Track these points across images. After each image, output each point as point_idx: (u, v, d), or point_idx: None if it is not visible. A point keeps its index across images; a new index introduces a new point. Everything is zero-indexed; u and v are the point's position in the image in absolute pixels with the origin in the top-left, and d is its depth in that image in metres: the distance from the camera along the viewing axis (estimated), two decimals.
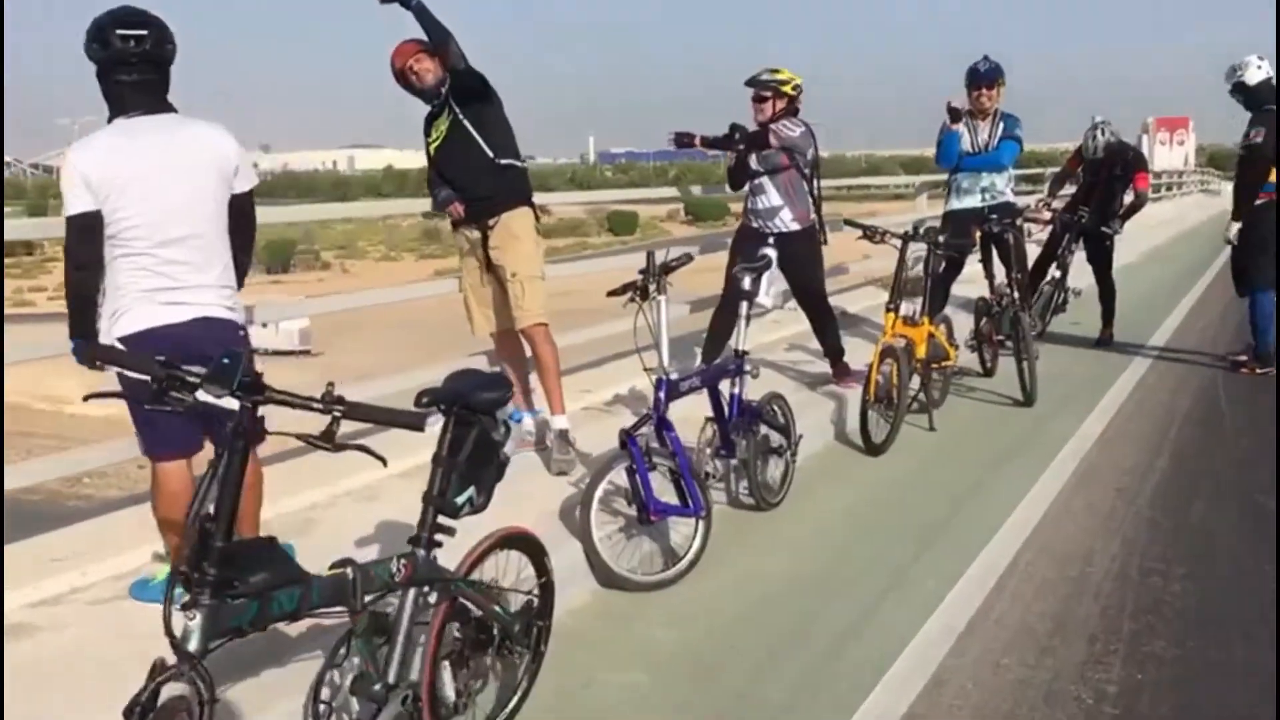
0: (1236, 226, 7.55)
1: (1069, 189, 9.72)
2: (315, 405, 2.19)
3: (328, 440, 2.17)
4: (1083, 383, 7.65)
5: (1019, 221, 7.32)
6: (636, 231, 71.32)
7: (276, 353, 37.50)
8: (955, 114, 7.47)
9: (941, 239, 6.37)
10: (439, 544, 2.70)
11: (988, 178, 7.56)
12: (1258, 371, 7.69)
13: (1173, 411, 6.79)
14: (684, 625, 3.81)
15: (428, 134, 5.16)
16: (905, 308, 6.23)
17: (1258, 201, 7.52)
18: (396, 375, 5.52)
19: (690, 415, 4.72)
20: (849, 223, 6.41)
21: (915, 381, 6.39)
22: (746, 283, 4.83)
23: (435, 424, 2.59)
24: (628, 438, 4.08)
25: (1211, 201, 36.00)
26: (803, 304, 6.80)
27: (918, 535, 4.61)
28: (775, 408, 5.08)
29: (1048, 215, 9.07)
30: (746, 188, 6.56)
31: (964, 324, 8.01)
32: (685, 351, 6.97)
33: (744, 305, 4.84)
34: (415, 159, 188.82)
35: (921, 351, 6.32)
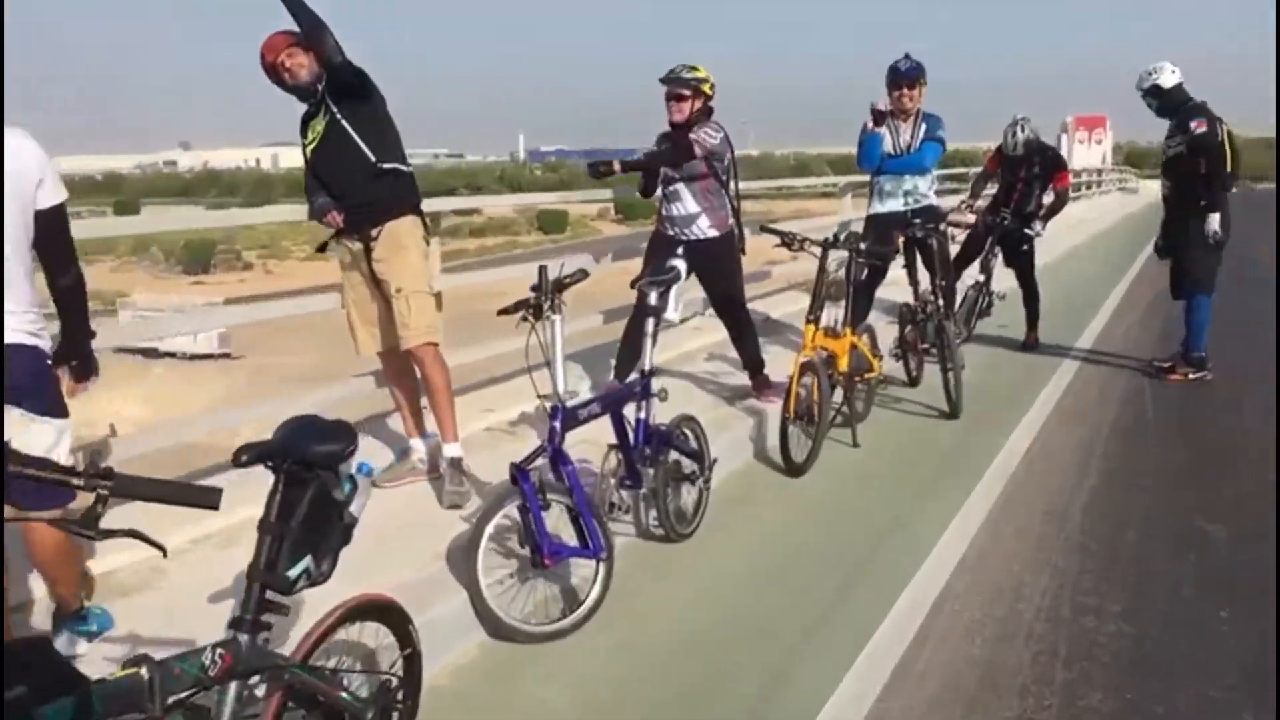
0: (1216, 219, 7.31)
1: (992, 188, 9.53)
2: (75, 482, 1.75)
3: (89, 526, 1.74)
4: (1009, 392, 7.43)
5: (942, 226, 7.05)
6: (567, 230, 70.82)
7: (195, 357, 36.63)
8: (879, 117, 7.19)
9: (863, 246, 6.07)
10: (267, 626, 2.27)
11: (910, 180, 7.29)
12: (1190, 377, 7.52)
13: (1100, 423, 6.56)
14: (581, 684, 3.42)
15: (304, 135, 4.71)
16: (827, 317, 5.92)
17: (1203, 202, 7.36)
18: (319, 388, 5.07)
19: (599, 436, 4.35)
20: (766, 229, 6.08)
21: (838, 395, 6.10)
22: (653, 298, 4.46)
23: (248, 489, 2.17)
24: (518, 472, 3.69)
25: (1130, 199, 36.67)
26: (721, 314, 6.47)
27: (838, 572, 4.28)
28: (687, 431, 4.72)
29: (971, 218, 8.86)
30: (659, 193, 6.20)
31: (889, 331, 7.76)
32: (601, 366, 6.58)
33: (650, 322, 4.47)
34: None
35: (844, 364, 6.02)
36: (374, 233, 4.59)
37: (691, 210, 6.10)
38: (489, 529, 3.68)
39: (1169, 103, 7.44)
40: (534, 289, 3.83)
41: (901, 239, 6.75)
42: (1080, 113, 51.82)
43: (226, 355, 36.91)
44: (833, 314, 6.06)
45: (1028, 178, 8.93)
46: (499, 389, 6.55)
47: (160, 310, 56.10)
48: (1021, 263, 9.06)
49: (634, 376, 4.60)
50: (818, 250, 5.83)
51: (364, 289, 4.74)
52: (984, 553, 4.43)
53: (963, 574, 4.20)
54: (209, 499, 1.85)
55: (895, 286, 8.49)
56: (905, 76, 7.19)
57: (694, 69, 6.01)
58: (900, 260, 7.43)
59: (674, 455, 4.58)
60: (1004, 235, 8.82)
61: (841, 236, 6.20)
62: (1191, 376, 7.52)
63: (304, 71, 4.49)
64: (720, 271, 6.21)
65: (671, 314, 4.55)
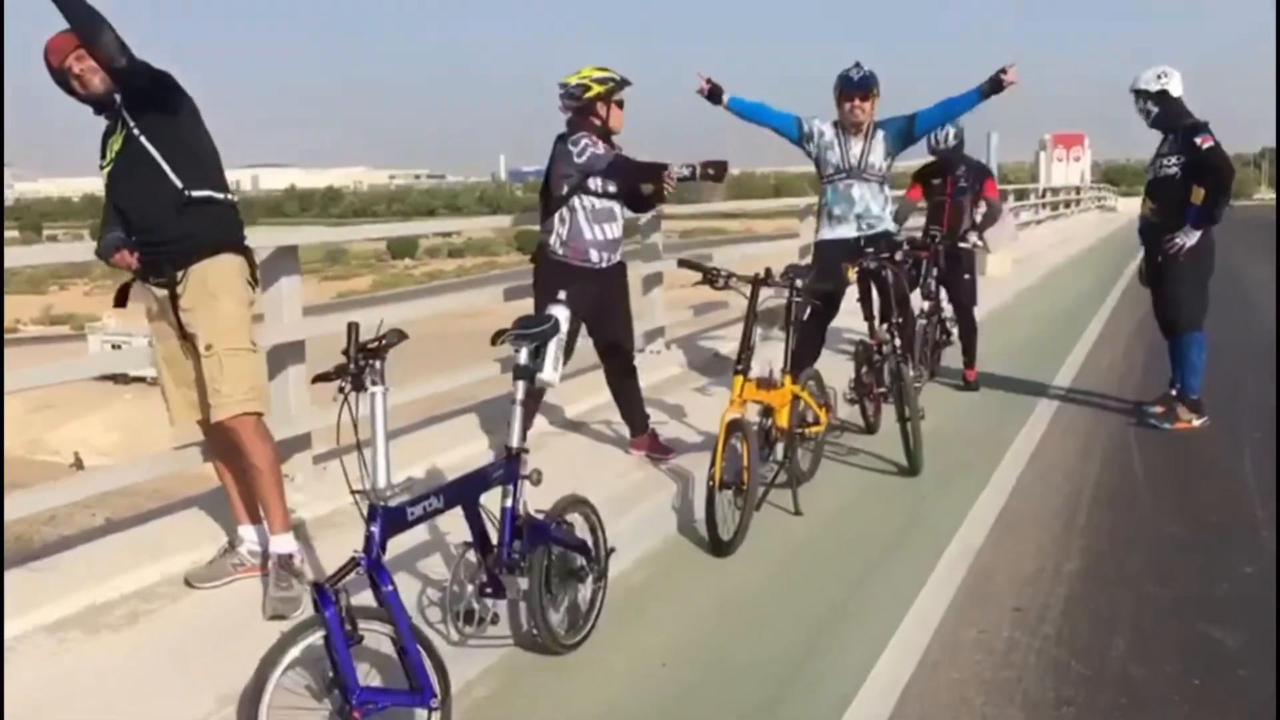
0: (1195, 236, 6.51)
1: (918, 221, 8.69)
2: None
3: None
4: (976, 443, 6.57)
5: (898, 255, 6.17)
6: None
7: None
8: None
9: (801, 282, 5.21)
10: None
11: (862, 202, 6.44)
12: (1194, 424, 6.68)
13: (1080, 484, 5.70)
14: None
15: (102, 156, 3.82)
16: (762, 362, 5.07)
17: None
18: None
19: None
20: (684, 263, 5.22)
21: (779, 453, 5.25)
22: (523, 356, 3.58)
23: None
24: (319, 594, 2.80)
25: (1109, 218, 36.07)
26: (610, 358, 5.62)
27: (756, 700, 3.40)
28: (572, 518, 3.84)
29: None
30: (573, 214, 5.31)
31: (846, 370, 6.91)
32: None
33: (520, 387, 3.58)
34: (320, 178, 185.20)
35: (783, 419, 5.16)
36: (178, 276, 3.70)
37: (618, 235, 5.32)
38: (279, 671, 2.78)
39: (1169, 114, 6.60)
40: (345, 352, 2.95)
41: (853, 270, 5.88)
42: (1058, 130, 51.51)
43: None
44: (767, 359, 5.23)
45: (955, 192, 8.13)
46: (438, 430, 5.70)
47: (129, 335, 55.22)
48: (959, 289, 8.26)
49: (498, 457, 3.69)
50: (746, 287, 4.98)
51: (175, 343, 3.85)
52: (936, 671, 3.55)
53: (908, 708, 3.31)
54: None
55: (855, 316, 7.65)
56: (857, 87, 6.35)
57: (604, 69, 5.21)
58: (855, 293, 6.58)
59: (556, 550, 3.70)
60: (939, 256, 7.99)
61: (784, 272, 5.36)
62: (1195, 423, 6.68)
63: (97, 78, 3.62)
64: (622, 307, 5.51)
65: (550, 374, 3.67)
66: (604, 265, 5.34)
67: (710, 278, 4.99)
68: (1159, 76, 6.59)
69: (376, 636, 2.95)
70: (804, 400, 5.39)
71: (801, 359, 5.99)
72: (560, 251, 5.28)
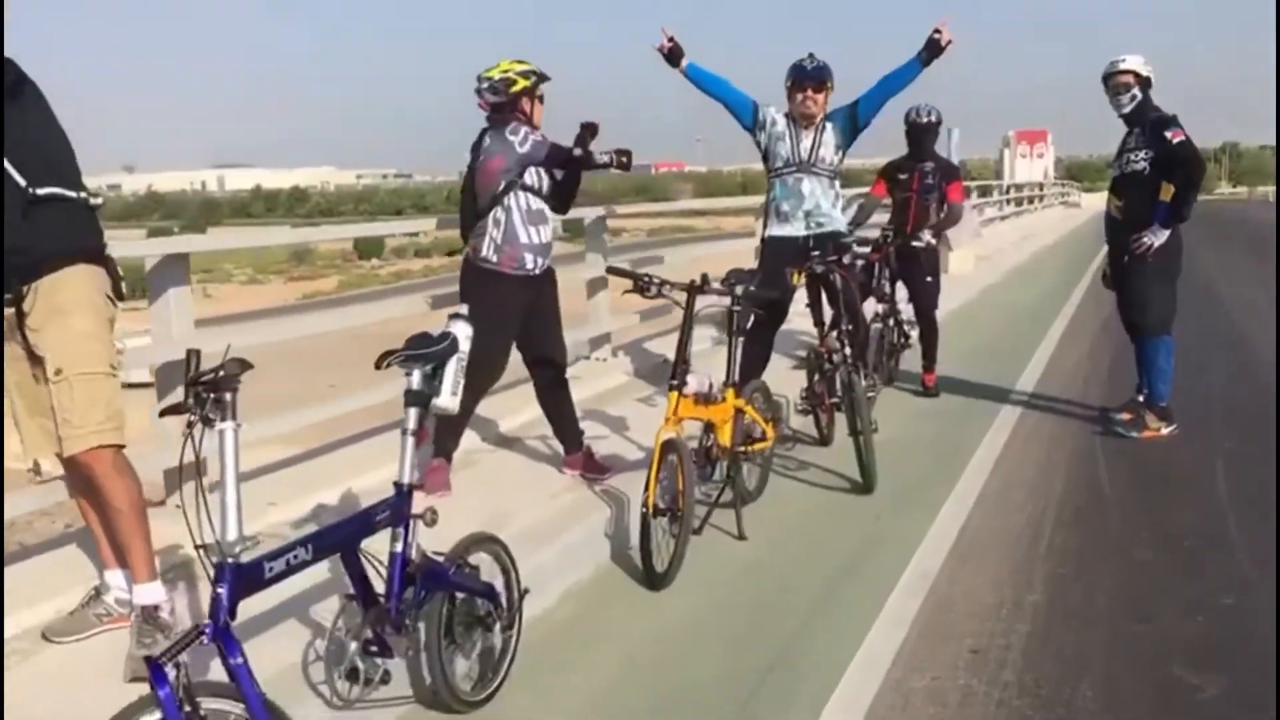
0: (1163, 235, 6.17)
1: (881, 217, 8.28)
2: None
3: None
4: (935, 453, 6.22)
5: (848, 258, 5.79)
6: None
7: (129, 386, 35.04)
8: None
9: (742, 288, 4.81)
10: None
11: (812, 198, 6.06)
12: (1164, 432, 6.35)
13: (1045, 501, 5.34)
14: None
15: None
16: (703, 377, 4.67)
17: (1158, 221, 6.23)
18: None
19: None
20: (613, 270, 4.83)
21: (723, 470, 4.86)
22: (416, 379, 3.15)
23: None
24: (152, 670, 2.36)
25: (1073, 214, 36.04)
26: (540, 370, 5.21)
27: None
28: (480, 558, 3.42)
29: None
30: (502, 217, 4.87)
31: (796, 379, 6.54)
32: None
33: (412, 414, 3.15)
34: (286, 178, 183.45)
35: (725, 436, 4.76)
36: (24, 291, 3.25)
37: (550, 238, 4.94)
38: None
39: (1146, 104, 6.25)
40: (188, 384, 2.51)
41: (799, 275, 5.49)
42: (1021, 127, 51.56)
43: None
44: (708, 371, 4.83)
45: (921, 189, 7.75)
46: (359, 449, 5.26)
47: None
48: (921, 295, 7.88)
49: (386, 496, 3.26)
50: (681, 295, 4.58)
51: (25, 367, 3.39)
52: None
53: None
54: None
55: (807, 319, 7.28)
56: (811, 77, 5.97)
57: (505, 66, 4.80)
58: (804, 298, 6.21)
59: (459, 596, 3.28)
60: (891, 257, 7.62)
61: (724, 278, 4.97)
62: (1165, 431, 6.34)
63: None
64: (554, 315, 5.10)
65: (448, 399, 3.25)
66: (537, 271, 4.93)
67: (640, 286, 4.59)
68: (1144, 61, 6.25)
69: (223, 716, 2.52)
70: (748, 415, 4.99)
71: (748, 370, 5.62)
72: (493, 259, 4.83)
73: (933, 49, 5.81)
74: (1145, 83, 6.22)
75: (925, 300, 7.86)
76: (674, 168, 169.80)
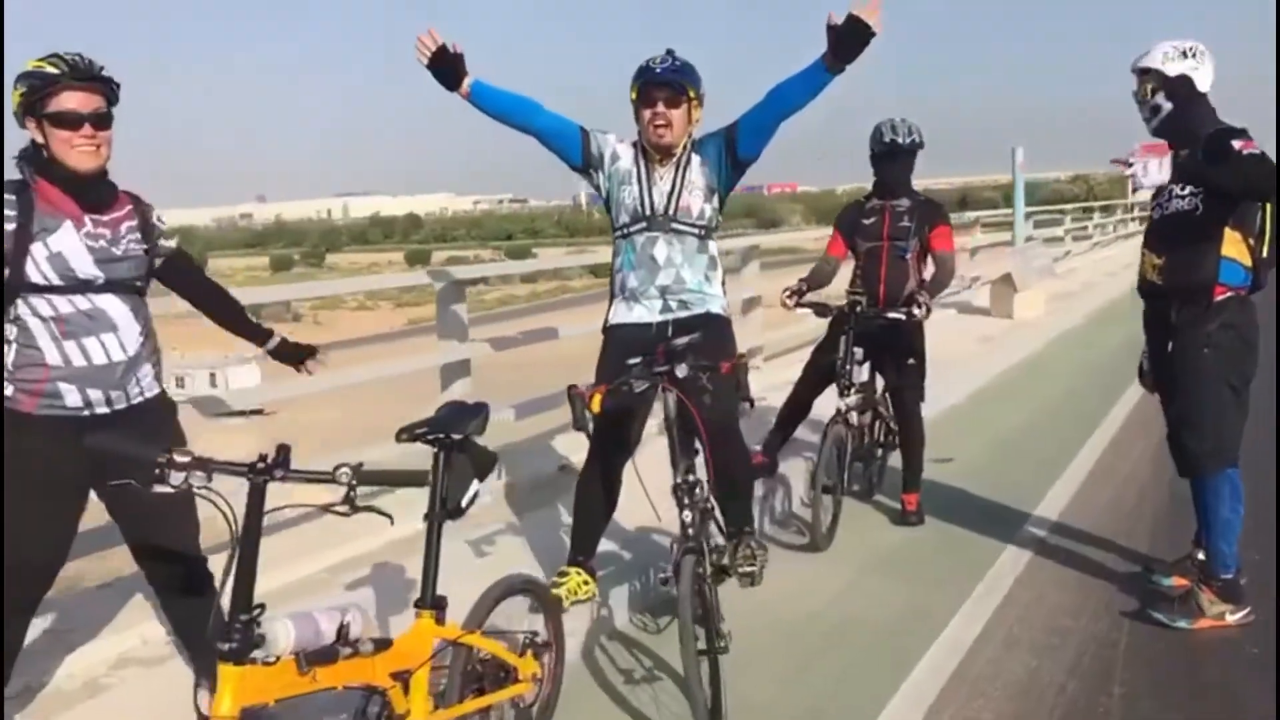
0: None
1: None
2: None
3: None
4: (880, 641, 4.10)
5: (683, 368, 3.63)
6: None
7: (227, 414, 34.75)
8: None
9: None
10: None
11: (670, 269, 4.06)
12: (1228, 620, 4.08)
13: None
14: None
15: None
16: None
17: (1218, 297, 4.01)
18: None
19: None
20: None
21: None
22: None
23: None
24: None
25: None
26: None
27: None
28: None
29: (797, 311, 5.56)
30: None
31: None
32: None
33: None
34: (406, 204, 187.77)
35: (419, 705, 2.77)
36: None
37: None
38: None
39: (1186, 115, 4.06)
40: None
41: (596, 398, 3.44)
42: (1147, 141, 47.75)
43: (258, 412, 35.86)
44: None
45: (894, 234, 5.59)
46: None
47: (191, 369, 54.93)
48: (901, 385, 5.69)
49: None
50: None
51: None
52: None
53: None
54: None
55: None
56: (660, 82, 3.98)
57: None
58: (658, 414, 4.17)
59: None
60: (863, 330, 5.45)
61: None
62: (1231, 619, 4.08)
63: None
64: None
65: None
66: None
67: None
68: (1185, 54, 4.05)
69: None
70: (479, 650, 2.99)
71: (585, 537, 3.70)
72: None
73: (842, 43, 3.76)
74: (1175, 85, 4.03)
75: (907, 394, 5.69)
76: (787, 189, 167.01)
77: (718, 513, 3.91)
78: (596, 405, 3.40)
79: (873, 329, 5.41)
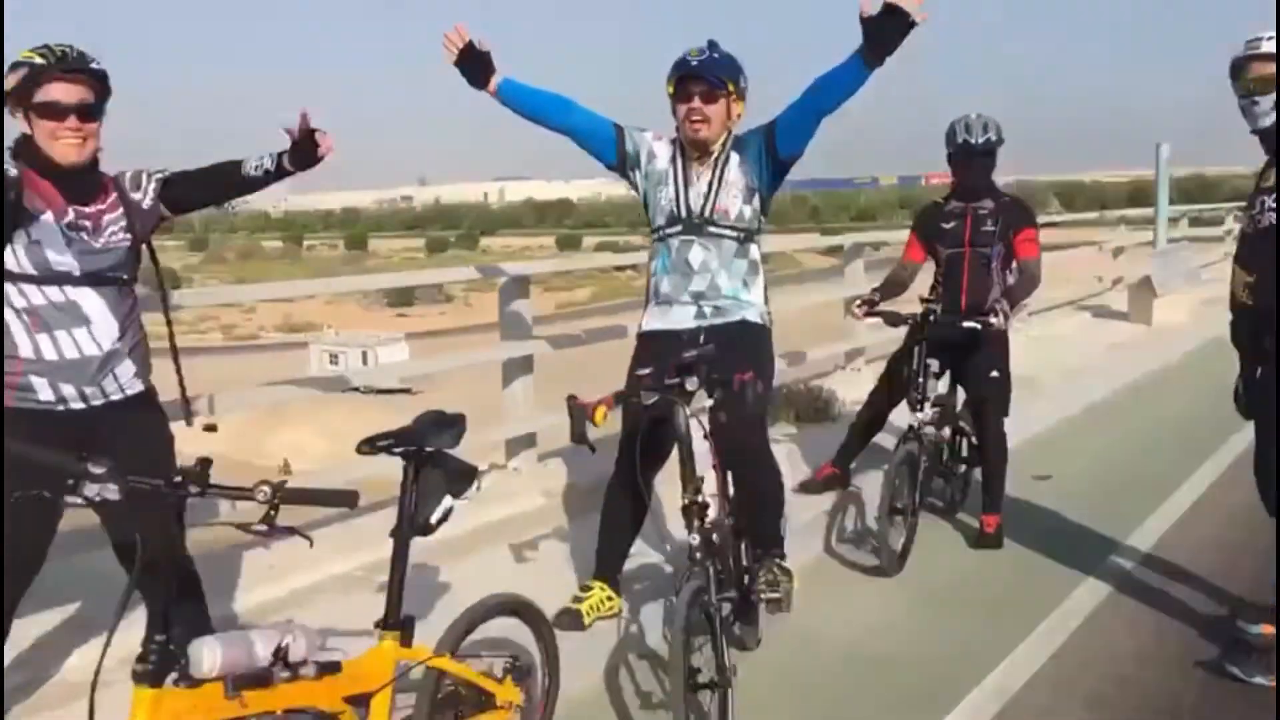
0: None
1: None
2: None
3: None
4: (926, 681, 3.81)
5: (693, 383, 3.39)
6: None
7: (379, 391, 36.23)
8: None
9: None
10: None
11: (705, 274, 3.87)
12: None
13: None
14: None
15: None
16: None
17: None
18: None
19: None
20: None
21: None
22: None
23: None
24: None
25: None
26: None
27: None
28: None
29: (867, 320, 5.23)
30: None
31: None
32: None
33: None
34: (559, 190, 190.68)
35: None
36: None
37: None
38: None
39: None
40: None
41: (601, 412, 3.25)
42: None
43: (407, 391, 37.10)
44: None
45: (975, 239, 5.21)
46: None
47: (345, 347, 57.05)
48: (983, 399, 5.32)
49: None
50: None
51: None
52: None
53: None
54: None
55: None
56: (696, 75, 3.78)
57: None
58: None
59: None
60: (940, 341, 5.08)
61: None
62: None
63: None
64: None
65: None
66: None
67: None
68: None
69: None
70: (453, 675, 2.87)
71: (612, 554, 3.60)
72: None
73: (878, 34, 3.49)
74: None
75: (988, 407, 5.31)
76: (947, 180, 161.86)
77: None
78: (601, 418, 3.23)
79: (951, 339, 5.06)
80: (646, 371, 3.38)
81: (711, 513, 3.42)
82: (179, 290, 4.95)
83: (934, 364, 5.07)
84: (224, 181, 3.22)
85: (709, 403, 3.43)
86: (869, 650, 4.10)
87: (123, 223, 3.04)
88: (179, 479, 2.22)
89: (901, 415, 5.33)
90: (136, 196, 3.10)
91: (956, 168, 5.26)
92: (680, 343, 3.79)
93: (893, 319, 5.15)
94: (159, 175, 3.15)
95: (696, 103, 3.77)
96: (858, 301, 5.22)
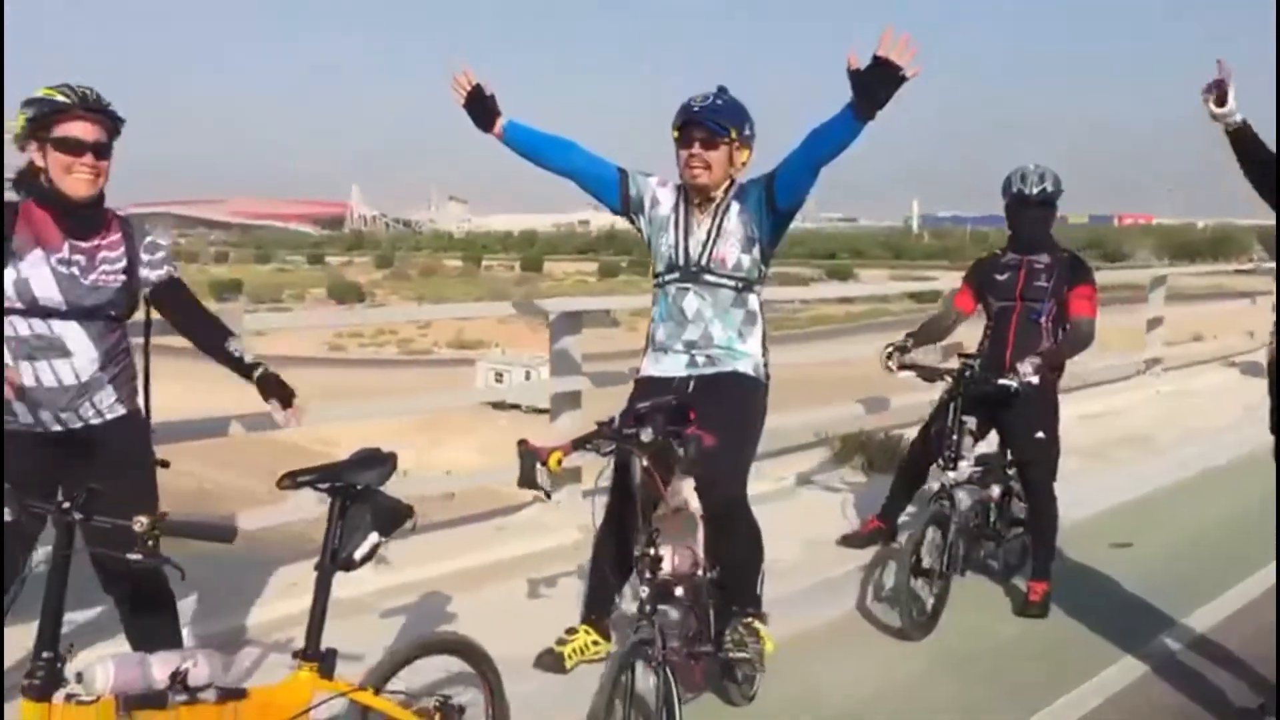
0: None
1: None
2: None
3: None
4: None
5: (647, 433, 3.32)
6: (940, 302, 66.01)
7: (538, 411, 37.23)
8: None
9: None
10: None
11: (699, 323, 3.85)
12: None
13: None
14: None
15: None
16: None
17: None
18: None
19: None
20: None
21: None
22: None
23: None
24: None
25: None
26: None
27: None
28: None
29: (899, 373, 5.00)
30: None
31: None
32: None
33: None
34: None
35: None
36: None
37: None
38: None
39: None
40: None
41: (558, 458, 3.26)
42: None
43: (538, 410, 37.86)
44: None
45: (1027, 294, 4.98)
46: None
47: (509, 365, 58.78)
48: (1027, 460, 5.06)
49: None
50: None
51: None
52: None
53: None
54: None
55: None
56: (698, 120, 3.78)
57: None
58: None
59: None
60: (979, 397, 4.84)
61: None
62: None
63: None
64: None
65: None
66: None
67: None
68: None
69: None
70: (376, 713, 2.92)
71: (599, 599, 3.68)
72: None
73: (867, 88, 3.42)
74: None
75: (1033, 470, 5.07)
76: (1140, 220, 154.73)
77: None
78: (555, 464, 3.26)
79: (990, 396, 4.86)
80: (606, 421, 3.38)
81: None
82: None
83: (970, 421, 4.88)
84: (204, 331, 3.41)
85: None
86: (869, 713, 3.97)
87: (122, 263, 3.22)
88: (66, 504, 2.36)
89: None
90: (145, 257, 3.28)
91: (1011, 218, 5.07)
92: (670, 390, 3.79)
93: (929, 374, 4.98)
94: (169, 271, 3.35)
95: (697, 148, 3.78)
96: (888, 349, 5.05)
